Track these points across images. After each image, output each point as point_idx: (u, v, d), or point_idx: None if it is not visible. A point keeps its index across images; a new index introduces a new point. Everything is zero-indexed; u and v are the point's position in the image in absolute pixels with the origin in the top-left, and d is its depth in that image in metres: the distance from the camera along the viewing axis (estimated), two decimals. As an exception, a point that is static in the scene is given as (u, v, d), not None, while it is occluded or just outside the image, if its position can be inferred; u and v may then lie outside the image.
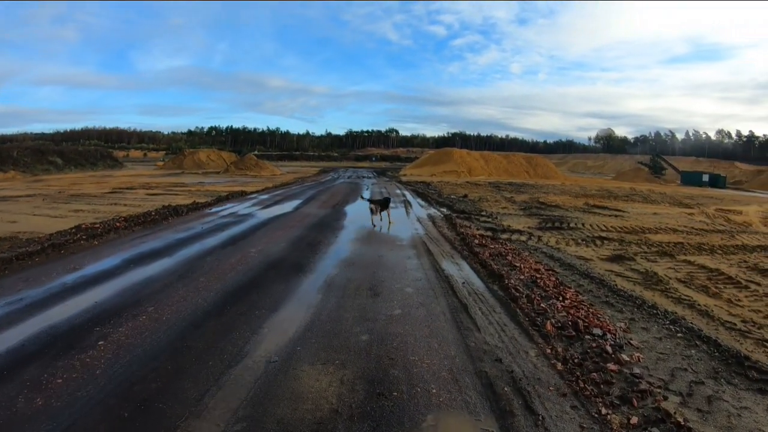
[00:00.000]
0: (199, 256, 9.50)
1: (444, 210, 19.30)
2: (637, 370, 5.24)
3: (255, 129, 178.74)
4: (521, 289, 7.50)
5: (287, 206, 18.93)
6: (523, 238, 13.27)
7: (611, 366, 5.23)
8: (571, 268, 9.84)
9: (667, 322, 7.02)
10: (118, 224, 12.82)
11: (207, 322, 5.92)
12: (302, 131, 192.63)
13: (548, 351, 5.47)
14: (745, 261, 12.27)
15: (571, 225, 16.24)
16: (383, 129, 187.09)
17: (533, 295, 7.23)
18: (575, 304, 7.17)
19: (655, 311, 7.44)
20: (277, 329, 5.74)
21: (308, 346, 5.29)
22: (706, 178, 67.32)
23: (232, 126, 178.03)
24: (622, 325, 6.69)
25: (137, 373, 4.58)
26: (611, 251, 12.03)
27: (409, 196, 26.06)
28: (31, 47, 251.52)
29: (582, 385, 4.73)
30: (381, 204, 14.41)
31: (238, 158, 61.67)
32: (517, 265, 9.15)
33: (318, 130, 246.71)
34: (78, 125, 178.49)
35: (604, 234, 14.68)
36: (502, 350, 5.37)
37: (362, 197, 16.34)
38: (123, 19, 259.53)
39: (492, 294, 7.49)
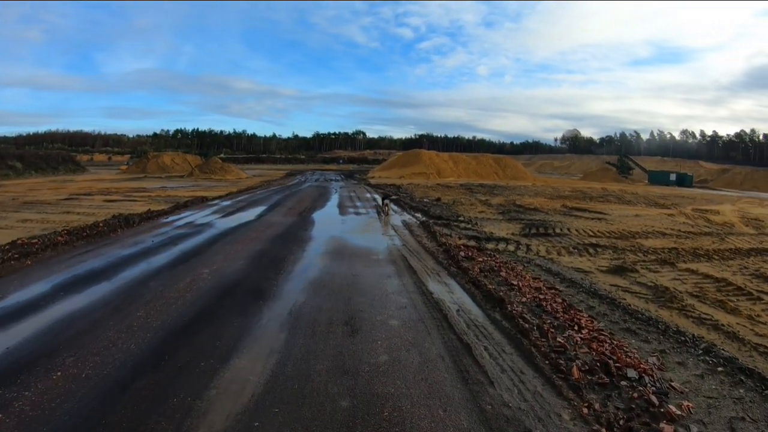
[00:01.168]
0: (143, 280, 7.94)
1: (419, 216, 17.99)
2: (694, 429, 4.10)
3: (221, 131, 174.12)
4: (529, 318, 6.21)
5: (250, 214, 17.31)
6: (511, 247, 12.05)
7: (665, 427, 4.04)
8: (574, 284, 8.62)
9: (700, 351, 5.91)
10: (59, 238, 11.14)
11: (138, 380, 4.44)
12: (269, 134, 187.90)
13: (585, 411, 4.17)
14: (745, 267, 11.48)
15: (557, 230, 15.14)
16: (350, 131, 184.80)
17: (544, 325, 5.95)
18: (595, 335, 5.93)
19: (682, 338, 6.31)
20: (228, 391, 4.28)
21: (269, 419, 3.84)
22: (673, 177, 68.04)
23: (198, 129, 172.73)
24: (655, 360, 5.51)
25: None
26: (609, 261, 10.92)
27: (379, 200, 24.58)
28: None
29: (644, 467, 3.46)
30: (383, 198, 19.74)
31: (203, 161, 59.14)
32: (515, 283, 7.87)
33: (285, 133, 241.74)
34: (42, 128, 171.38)
35: (594, 240, 13.60)
36: (528, 415, 4.03)
37: (384, 198, 20.20)
38: (89, 20, 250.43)
39: (495, 326, 6.15)
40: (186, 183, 38.58)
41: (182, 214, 16.85)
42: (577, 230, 15.38)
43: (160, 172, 56.71)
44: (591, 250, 12.11)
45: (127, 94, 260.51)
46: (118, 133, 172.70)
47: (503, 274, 8.48)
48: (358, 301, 6.89)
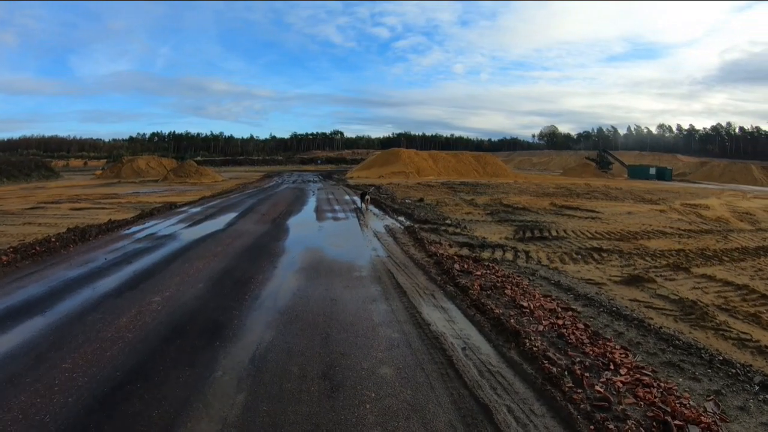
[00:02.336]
0: (81, 314, 6.51)
1: (403, 219, 16.69)
2: None
3: (198, 134, 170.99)
4: (553, 356, 4.95)
5: (219, 222, 15.83)
6: (509, 255, 10.81)
7: None
8: (591, 301, 7.42)
9: (756, 387, 4.91)
10: (3, 258, 9.63)
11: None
12: (247, 135, 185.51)
13: None
14: (760, 269, 10.73)
15: (553, 233, 14.00)
16: (328, 131, 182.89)
17: (575, 367, 4.71)
18: (637, 375, 4.73)
19: (732, 370, 5.24)
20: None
21: None
22: (653, 171, 68.11)
23: (174, 131, 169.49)
24: (714, 407, 4.39)
25: None
26: (620, 269, 9.78)
27: (359, 202, 23.19)
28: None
29: None
30: (361, 195, 21.35)
31: (178, 165, 57.26)
32: (525, 305, 6.62)
33: (263, 134, 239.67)
34: (17, 134, 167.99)
35: (595, 243, 12.49)
36: None
37: (363, 194, 21.44)
38: (64, 23, 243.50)
39: (515, 371, 4.82)
40: (159, 188, 37.16)
41: (146, 224, 15.34)
42: (573, 232, 14.27)
43: (134, 177, 55.07)
44: (596, 256, 10.98)
45: (102, 97, 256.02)
46: (94, 137, 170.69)
47: (509, 292, 7.23)
48: (339, 340, 5.52)
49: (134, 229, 14.47)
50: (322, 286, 7.84)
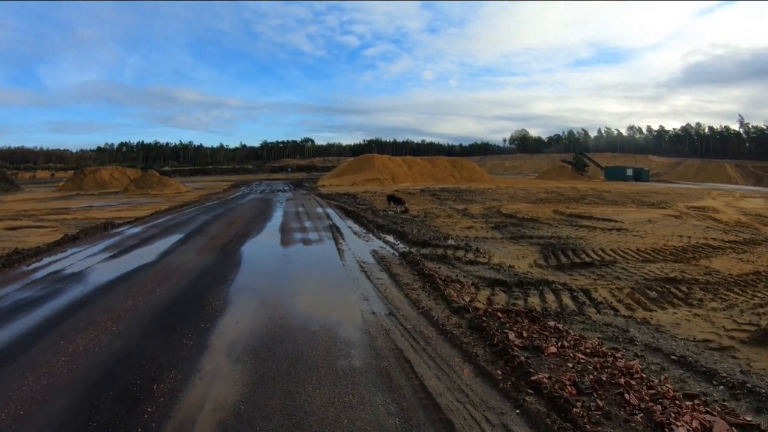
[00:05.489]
0: None
1: (392, 240, 13.14)
2: None
3: (168, 144, 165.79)
4: None
5: (153, 250, 12.01)
6: (567, 300, 7.27)
7: None
8: (755, 396, 4.13)
9: None
10: None
11: None
12: (216, 144, 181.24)
13: None
14: None
15: (592, 255, 10.77)
16: (299, 139, 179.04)
17: None
18: None
19: None
20: None
21: None
22: (630, 172, 67.08)
23: (143, 141, 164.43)
24: None
25: None
26: (726, 315, 6.66)
27: (335, 217, 19.48)
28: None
29: None
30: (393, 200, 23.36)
31: (140, 176, 53.74)
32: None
33: (233, 143, 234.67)
34: None
35: (655, 269, 9.39)
36: None
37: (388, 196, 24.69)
38: (31, 32, 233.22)
39: None
40: (116, 200, 34.05)
41: (60, 255, 11.64)
42: (614, 251, 11.14)
43: (96, 188, 51.52)
44: (676, 292, 7.80)
45: (71, 107, 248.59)
46: (62, 148, 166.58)
47: (631, 396, 3.90)
48: None
49: (43, 261, 10.91)
50: (280, 406, 4.16)
